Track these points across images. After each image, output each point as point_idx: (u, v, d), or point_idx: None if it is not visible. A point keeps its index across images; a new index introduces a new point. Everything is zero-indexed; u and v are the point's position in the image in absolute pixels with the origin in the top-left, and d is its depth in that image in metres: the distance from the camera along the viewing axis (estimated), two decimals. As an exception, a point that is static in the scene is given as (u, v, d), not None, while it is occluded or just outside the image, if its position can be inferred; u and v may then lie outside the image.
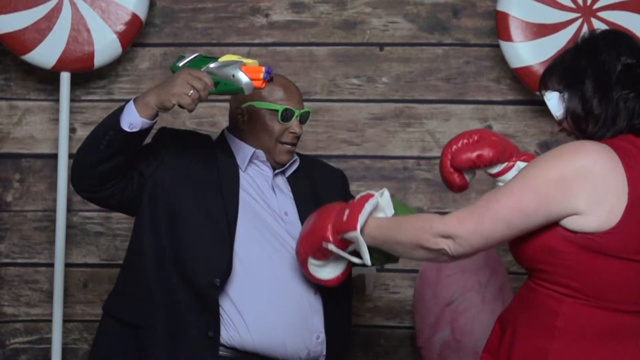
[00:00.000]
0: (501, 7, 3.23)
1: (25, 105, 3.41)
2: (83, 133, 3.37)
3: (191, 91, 2.42)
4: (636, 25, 3.16)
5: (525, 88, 3.28)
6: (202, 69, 2.48)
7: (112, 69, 3.38)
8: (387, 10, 3.38)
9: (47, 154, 3.39)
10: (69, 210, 3.33)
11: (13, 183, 3.41)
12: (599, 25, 3.19)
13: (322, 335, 2.61)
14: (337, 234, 2.37)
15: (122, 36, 3.26)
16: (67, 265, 3.33)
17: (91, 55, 3.25)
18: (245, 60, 2.48)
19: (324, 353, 2.62)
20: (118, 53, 3.29)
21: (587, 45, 2.17)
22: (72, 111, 3.34)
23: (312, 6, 3.39)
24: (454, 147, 2.48)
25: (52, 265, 3.33)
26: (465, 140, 2.48)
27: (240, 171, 2.68)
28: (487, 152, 2.44)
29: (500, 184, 2.45)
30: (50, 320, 3.32)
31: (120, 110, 2.49)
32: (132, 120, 2.46)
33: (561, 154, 2.08)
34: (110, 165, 2.53)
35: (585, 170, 2.04)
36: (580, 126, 2.15)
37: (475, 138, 2.48)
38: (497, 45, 3.28)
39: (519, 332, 2.13)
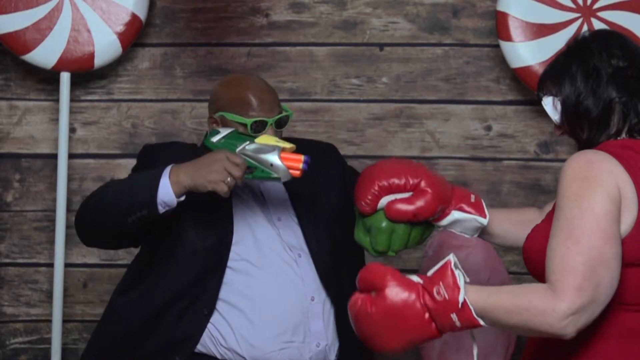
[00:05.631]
0: (501, 7, 3.24)
1: (25, 105, 3.40)
2: (83, 133, 3.37)
3: (228, 178, 2.34)
4: (636, 25, 3.17)
5: (525, 88, 3.28)
6: (237, 150, 2.41)
7: (112, 69, 3.38)
8: (387, 10, 3.38)
9: (47, 154, 3.39)
10: (69, 210, 3.33)
11: (13, 183, 3.41)
12: (599, 26, 3.19)
13: (323, 343, 2.54)
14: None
15: (122, 36, 3.26)
16: (67, 265, 3.33)
17: (91, 56, 3.26)
18: (282, 144, 2.42)
19: None
20: (118, 53, 3.29)
21: (577, 49, 2.15)
22: (72, 111, 3.34)
23: (312, 6, 3.39)
24: (384, 183, 2.30)
25: (52, 265, 3.32)
26: (401, 182, 2.30)
27: None
28: (426, 205, 2.28)
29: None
30: (50, 321, 3.31)
31: (154, 187, 2.38)
32: (166, 199, 2.38)
33: (580, 175, 1.99)
34: (131, 235, 2.50)
35: (604, 177, 1.98)
36: (575, 130, 2.13)
37: (412, 183, 2.30)
38: (497, 46, 3.28)
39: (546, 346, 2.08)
